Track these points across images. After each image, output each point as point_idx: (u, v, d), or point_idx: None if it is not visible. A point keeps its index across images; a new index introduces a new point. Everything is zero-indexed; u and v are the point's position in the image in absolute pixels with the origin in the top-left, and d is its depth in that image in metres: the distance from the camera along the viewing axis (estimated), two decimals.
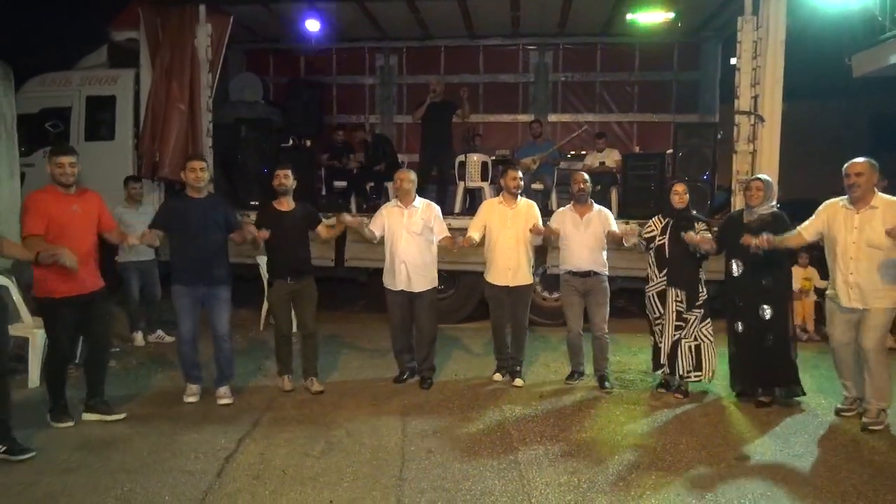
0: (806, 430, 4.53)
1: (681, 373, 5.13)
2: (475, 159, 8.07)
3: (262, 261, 6.98)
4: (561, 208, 5.70)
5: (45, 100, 8.26)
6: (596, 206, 5.46)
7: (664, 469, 3.90)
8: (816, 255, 4.91)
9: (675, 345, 5.11)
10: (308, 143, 9.15)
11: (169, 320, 6.92)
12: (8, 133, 6.65)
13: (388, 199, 8.46)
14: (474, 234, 5.40)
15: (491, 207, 5.53)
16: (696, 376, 5.13)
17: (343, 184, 8.46)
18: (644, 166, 7.56)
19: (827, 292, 4.77)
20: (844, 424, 4.59)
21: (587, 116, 10.11)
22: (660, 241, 5.14)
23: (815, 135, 9.67)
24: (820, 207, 4.65)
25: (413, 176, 5.46)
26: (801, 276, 6.85)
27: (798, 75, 6.78)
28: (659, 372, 5.28)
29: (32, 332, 5.27)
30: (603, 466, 3.93)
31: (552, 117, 10.15)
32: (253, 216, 5.55)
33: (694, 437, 4.38)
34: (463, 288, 7.54)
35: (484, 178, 8.06)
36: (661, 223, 5.20)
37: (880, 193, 4.42)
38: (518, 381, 5.47)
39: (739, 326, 4.98)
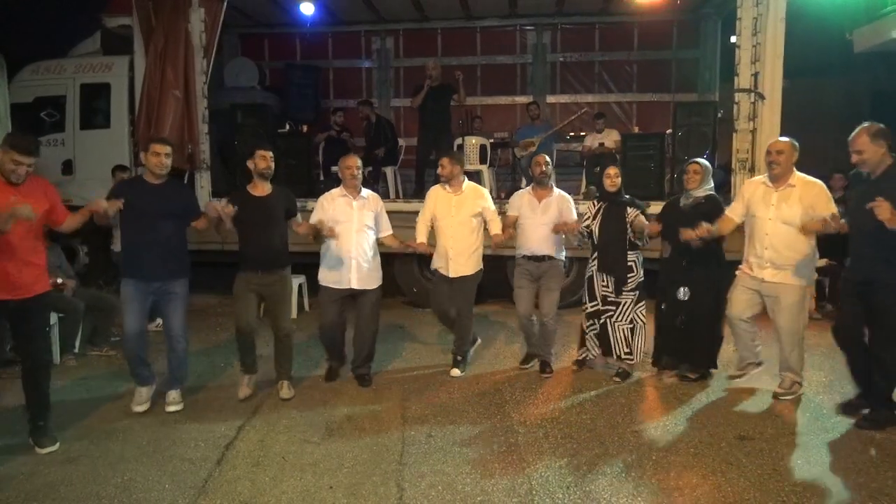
0: (808, 414, 4.52)
1: (618, 354, 5.15)
2: (473, 142, 8.02)
3: None
4: (519, 190, 5.58)
5: (40, 88, 8.21)
6: (556, 191, 5.28)
7: (664, 450, 3.90)
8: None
9: (605, 327, 5.14)
10: (305, 128, 9.10)
11: None
12: (2, 122, 6.62)
13: (386, 185, 8.45)
14: (421, 235, 5.19)
15: (436, 195, 5.26)
16: (628, 358, 5.12)
17: None
18: (643, 146, 7.50)
19: (740, 267, 4.81)
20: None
21: (586, 97, 10.05)
22: (591, 225, 5.13)
23: (815, 112, 9.57)
24: (742, 187, 4.79)
25: (360, 162, 5.02)
26: None
27: (798, 52, 6.69)
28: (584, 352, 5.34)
29: None
30: (603, 449, 3.93)
31: (551, 98, 10.08)
32: None
33: (695, 417, 4.38)
34: None
35: (483, 161, 8.01)
36: (595, 206, 5.15)
37: (799, 173, 4.52)
38: (455, 372, 5.26)
39: (664, 306, 5.05)
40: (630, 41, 9.94)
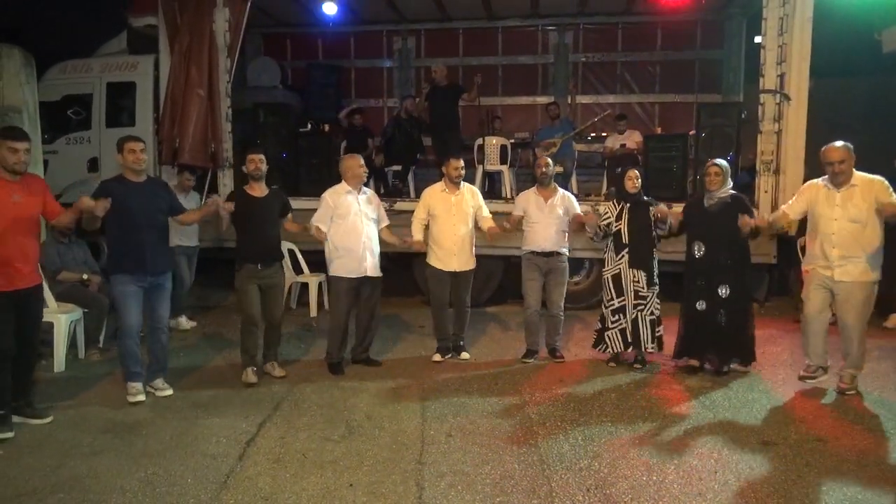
0: (832, 420, 4.46)
1: (645, 346, 5.33)
2: (493, 142, 8.00)
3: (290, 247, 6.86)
4: (524, 191, 5.81)
5: (67, 87, 8.36)
6: (560, 190, 5.63)
7: (686, 454, 3.86)
8: None
9: (636, 321, 5.29)
10: (326, 127, 9.14)
11: (193, 305, 7.04)
12: (31, 120, 6.70)
13: (408, 184, 8.47)
14: (418, 233, 5.58)
15: (433, 195, 5.61)
16: (651, 347, 5.33)
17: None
18: (666, 148, 7.45)
19: (804, 267, 4.93)
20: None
21: (608, 97, 9.99)
22: (617, 226, 5.30)
23: (843, 113, 9.42)
24: (802, 187, 4.95)
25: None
26: None
27: (825, 52, 6.59)
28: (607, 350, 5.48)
29: (57, 316, 5.34)
30: (623, 450, 3.90)
31: (583, 99, 9.98)
32: None
33: (717, 420, 4.34)
34: (482, 272, 7.50)
35: (503, 162, 7.99)
36: (616, 208, 5.34)
37: (858, 172, 4.59)
38: (465, 355, 5.71)
39: (702, 305, 5.13)
40: (653, 41, 9.86)
